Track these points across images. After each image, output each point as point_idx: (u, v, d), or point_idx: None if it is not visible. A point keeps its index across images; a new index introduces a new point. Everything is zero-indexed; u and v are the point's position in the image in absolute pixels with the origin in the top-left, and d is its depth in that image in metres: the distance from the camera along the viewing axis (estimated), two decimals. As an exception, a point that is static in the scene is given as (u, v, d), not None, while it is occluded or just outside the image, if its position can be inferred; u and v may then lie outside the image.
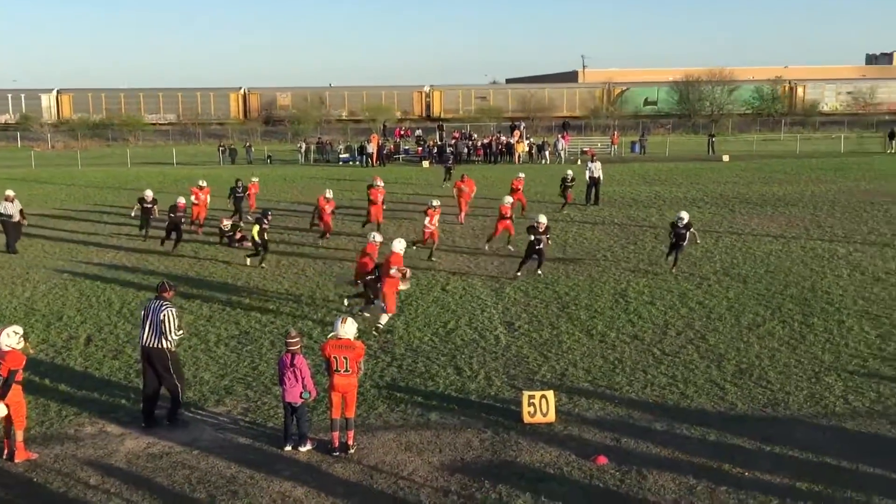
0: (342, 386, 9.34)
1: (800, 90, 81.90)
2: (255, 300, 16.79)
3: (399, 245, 14.66)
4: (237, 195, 27.48)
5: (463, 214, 26.52)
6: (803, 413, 10.51)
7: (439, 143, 54.81)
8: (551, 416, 10.28)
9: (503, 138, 54.34)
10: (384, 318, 14.31)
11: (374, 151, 50.46)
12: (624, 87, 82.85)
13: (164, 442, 9.87)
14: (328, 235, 23.58)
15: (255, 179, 30.61)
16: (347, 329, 9.46)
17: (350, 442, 9.46)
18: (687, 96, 78.52)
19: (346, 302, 15.99)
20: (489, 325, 14.76)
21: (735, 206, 29.20)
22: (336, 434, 9.46)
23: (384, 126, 69.09)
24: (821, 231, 23.89)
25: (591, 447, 9.51)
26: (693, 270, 18.57)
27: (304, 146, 55.83)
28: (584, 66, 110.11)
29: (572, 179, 29.14)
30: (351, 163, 52.23)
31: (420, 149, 54.70)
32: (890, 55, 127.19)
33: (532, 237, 18.03)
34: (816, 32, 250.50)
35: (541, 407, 10.27)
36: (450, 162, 42.04)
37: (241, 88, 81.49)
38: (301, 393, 9.40)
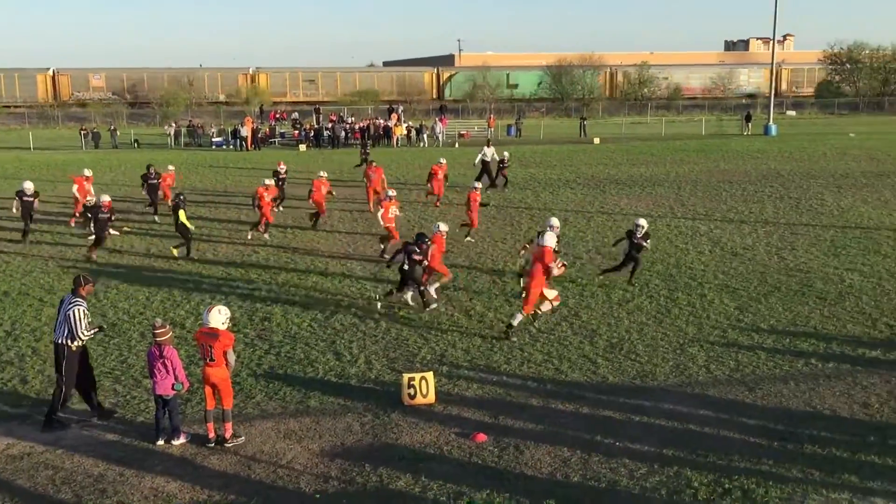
0: (210, 376, 9.07)
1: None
2: (122, 290, 16.09)
3: (550, 240, 13.34)
4: (150, 182, 25.11)
5: (372, 203, 25.14)
6: (669, 383, 11.03)
7: (316, 126, 54.05)
8: (431, 397, 10.36)
9: (381, 121, 54.16)
10: (518, 317, 13.05)
11: (249, 135, 49.22)
12: (454, 72, 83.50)
13: (24, 442, 9.32)
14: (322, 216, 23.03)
15: (171, 168, 27.90)
16: (213, 317, 9.15)
17: (227, 434, 9.22)
18: (559, 80, 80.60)
19: (378, 305, 14.81)
20: (368, 308, 14.71)
21: (606, 187, 30.23)
22: (211, 426, 9.20)
23: (261, 109, 67.48)
24: (684, 209, 25.09)
25: (470, 425, 9.66)
26: (567, 250, 19.10)
27: (173, 130, 53.79)
28: (459, 50, 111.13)
29: (508, 160, 30.61)
30: (224, 147, 50.75)
31: (297, 132, 53.75)
32: (746, 42, 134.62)
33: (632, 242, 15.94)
34: (681, 20, 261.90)
35: (421, 388, 10.33)
36: (366, 148, 39.83)
37: (49, 69, 76.10)
38: (173, 384, 9.08)
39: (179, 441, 9.22)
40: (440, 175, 26.38)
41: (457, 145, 50.05)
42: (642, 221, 16.11)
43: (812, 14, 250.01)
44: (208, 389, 9.17)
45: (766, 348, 12.30)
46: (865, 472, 8.34)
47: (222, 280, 16.98)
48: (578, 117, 62.10)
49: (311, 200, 23.16)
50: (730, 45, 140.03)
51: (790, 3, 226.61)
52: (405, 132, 52.52)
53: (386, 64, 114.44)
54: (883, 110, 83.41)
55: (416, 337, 13.08)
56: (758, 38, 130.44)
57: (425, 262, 14.70)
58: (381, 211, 18.80)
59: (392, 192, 19.88)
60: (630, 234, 16.03)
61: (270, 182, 23.30)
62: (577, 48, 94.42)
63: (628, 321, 13.80)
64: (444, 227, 15.70)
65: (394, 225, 18.76)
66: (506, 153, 31.30)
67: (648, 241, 16.29)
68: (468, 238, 20.58)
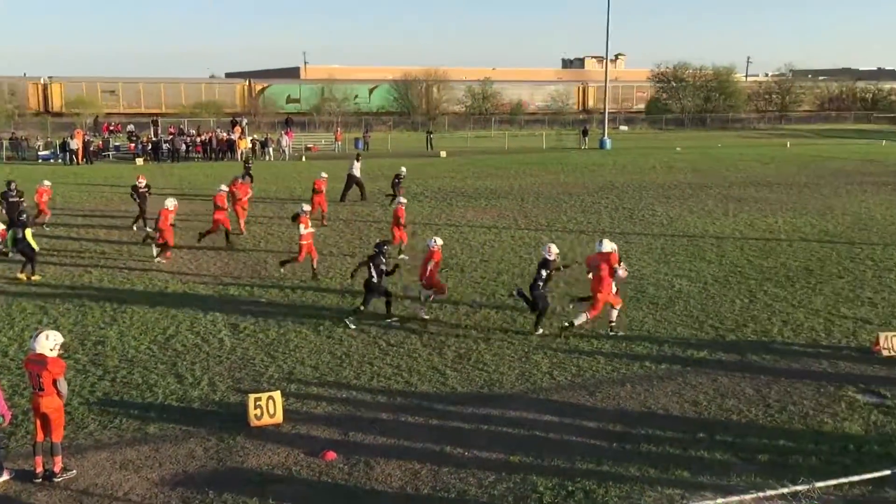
0: (40, 406, 8.45)
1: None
2: (-65, 318, 14.73)
3: (608, 245, 13.79)
4: (10, 201, 22.56)
5: (242, 221, 23.73)
6: (515, 391, 11.32)
7: (154, 138, 51.77)
8: (279, 417, 10.12)
9: (223, 134, 52.58)
10: (582, 318, 13.56)
11: (80, 148, 46.47)
12: (266, 84, 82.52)
13: None
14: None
15: (46, 183, 25.11)
16: (41, 343, 8.54)
17: (56, 468, 8.60)
18: (406, 94, 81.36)
19: (352, 326, 14.12)
20: (213, 328, 14.20)
21: (452, 200, 30.76)
22: (39, 459, 8.56)
23: (95, 120, 63.87)
24: (527, 221, 25.93)
25: (319, 444, 9.50)
26: (416, 262, 19.24)
27: (-8, 142, 49.91)
28: (305, 63, 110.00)
29: (404, 175, 30.41)
30: (52, 161, 47.63)
31: (132, 145, 51.21)
32: (582, 60, 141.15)
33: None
34: (521, 38, 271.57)
35: (268, 408, 10.07)
36: (249, 163, 37.60)
37: None
38: (-8, 418, 8.39)
39: (2, 478, 8.51)
40: (323, 189, 25.36)
41: (304, 158, 49.39)
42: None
43: (642, 35, 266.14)
44: (38, 421, 8.54)
45: (604, 353, 12.88)
46: (696, 468, 8.88)
47: (51, 302, 15.87)
48: (425, 131, 62.87)
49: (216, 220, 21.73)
50: (567, 63, 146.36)
51: (621, 25, 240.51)
52: (250, 145, 51.27)
53: (229, 75, 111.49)
54: (706, 126, 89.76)
55: (263, 355, 12.75)
56: (592, 57, 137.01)
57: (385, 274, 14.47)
58: (303, 226, 17.99)
59: (306, 207, 18.98)
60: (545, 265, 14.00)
61: (224, 190, 22.35)
62: (422, 62, 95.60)
63: (476, 331, 14.06)
64: (439, 240, 15.19)
65: (310, 242, 18.02)
66: (403, 168, 31.24)
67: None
68: (402, 256, 19.88)
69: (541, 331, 13.80)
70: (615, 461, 9.03)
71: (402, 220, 20.41)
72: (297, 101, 79.40)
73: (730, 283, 17.33)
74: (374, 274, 14.24)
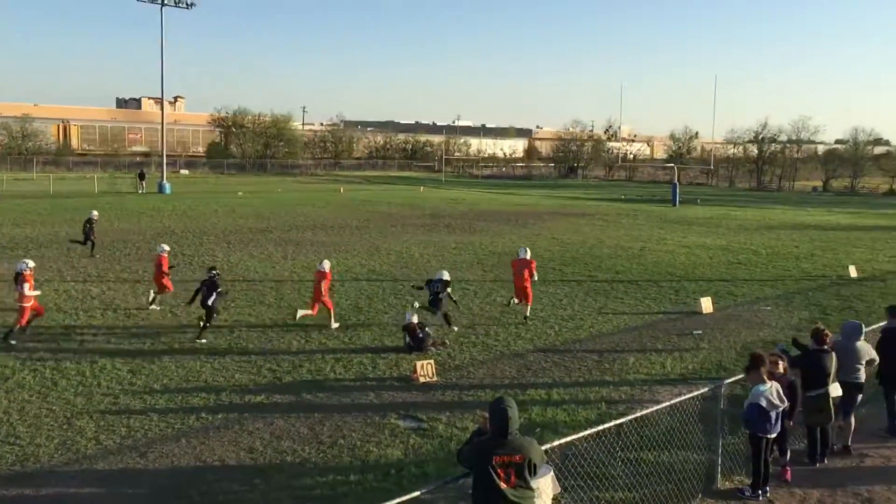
0: None
1: None
2: None
3: (525, 253, 16.16)
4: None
5: None
6: (55, 463, 10.16)
7: None
8: None
9: None
10: (528, 309, 18.60)
11: None
12: None
13: None
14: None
15: None
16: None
17: None
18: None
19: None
20: None
21: (-17, 251, 26.99)
22: None
23: None
24: (74, 272, 23.81)
25: None
26: (-71, 326, 16.42)
27: None
28: None
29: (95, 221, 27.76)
30: None
31: None
32: (139, 100, 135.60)
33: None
34: (70, 74, 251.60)
35: None
36: None
37: None
38: None
39: None
40: None
41: None
42: (445, 273, 18.06)
43: (201, 79, 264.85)
44: None
45: (158, 409, 12.23)
46: (250, 516, 8.80)
47: None
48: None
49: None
50: (122, 103, 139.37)
51: (179, 68, 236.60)
52: None
53: None
54: (266, 171, 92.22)
55: None
56: (150, 98, 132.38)
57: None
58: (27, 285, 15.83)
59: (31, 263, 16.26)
60: (429, 283, 17.71)
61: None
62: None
63: (7, 400, 12.37)
64: (327, 263, 17.96)
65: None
66: (94, 212, 28.43)
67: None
68: (153, 306, 19.08)
69: None
70: (167, 525, 8.56)
71: (165, 269, 19.54)
72: None
73: (287, 326, 17.80)
74: (211, 295, 16.41)
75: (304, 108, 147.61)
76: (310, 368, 14.63)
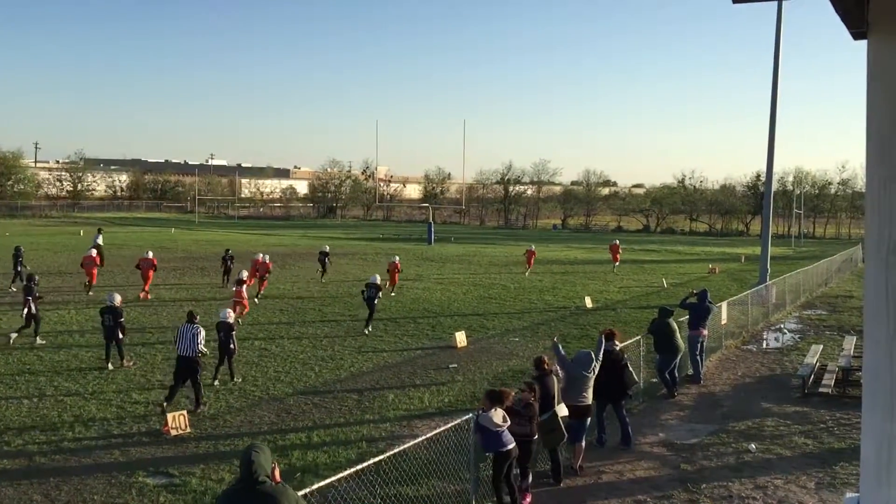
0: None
1: None
2: None
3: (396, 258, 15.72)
4: None
5: None
6: None
7: None
8: None
9: None
10: None
11: None
12: None
13: None
14: None
15: None
16: None
17: None
18: None
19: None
20: None
21: None
22: None
23: None
24: None
25: None
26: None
27: None
28: None
29: None
30: None
31: None
32: None
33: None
34: None
35: None
36: None
37: None
38: None
39: None
40: None
41: None
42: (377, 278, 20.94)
43: None
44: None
45: None
46: None
47: None
48: None
49: None
50: None
51: None
52: None
53: None
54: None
55: None
56: None
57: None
58: None
59: None
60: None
61: None
62: None
63: None
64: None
65: None
66: None
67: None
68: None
69: None
70: None
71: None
72: None
73: (17, 384, 16.07)
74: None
75: (35, 143, 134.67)
76: (44, 428, 13.27)
